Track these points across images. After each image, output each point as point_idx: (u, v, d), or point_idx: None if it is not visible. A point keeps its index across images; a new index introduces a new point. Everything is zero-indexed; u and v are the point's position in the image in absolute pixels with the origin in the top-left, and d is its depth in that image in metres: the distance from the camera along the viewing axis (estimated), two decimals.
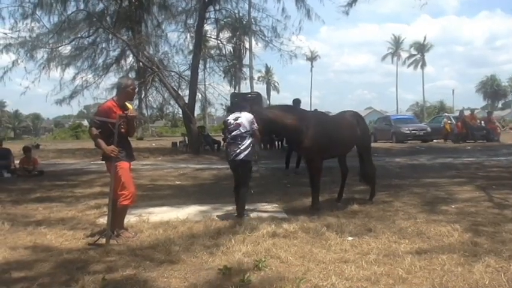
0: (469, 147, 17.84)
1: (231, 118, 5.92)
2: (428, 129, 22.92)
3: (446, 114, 31.74)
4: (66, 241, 4.86)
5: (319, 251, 4.22)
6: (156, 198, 7.60)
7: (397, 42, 73.03)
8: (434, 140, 22.32)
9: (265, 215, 5.99)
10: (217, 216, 5.94)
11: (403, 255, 3.99)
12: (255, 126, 5.73)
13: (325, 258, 4.00)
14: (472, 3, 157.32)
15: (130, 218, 5.50)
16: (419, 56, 71.48)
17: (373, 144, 7.10)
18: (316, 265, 3.82)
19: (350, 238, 4.65)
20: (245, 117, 5.74)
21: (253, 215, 5.97)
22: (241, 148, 5.68)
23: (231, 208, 6.18)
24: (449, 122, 22.95)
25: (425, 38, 72.01)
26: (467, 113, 23.89)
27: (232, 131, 5.78)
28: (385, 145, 19.83)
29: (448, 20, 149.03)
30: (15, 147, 14.66)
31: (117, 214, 4.78)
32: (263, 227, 5.09)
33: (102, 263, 4.02)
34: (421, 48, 70.64)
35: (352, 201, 6.65)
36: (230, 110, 6.10)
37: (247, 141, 5.69)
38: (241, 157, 5.69)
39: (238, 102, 6.21)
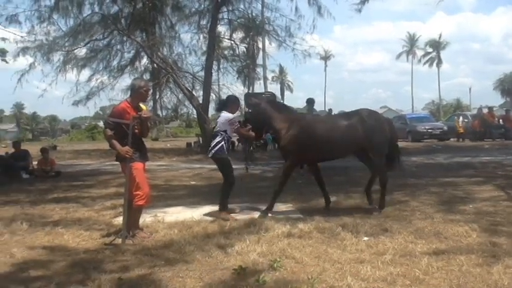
0: (487, 146, 17.51)
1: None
2: (445, 127, 22.56)
3: (459, 112, 31.24)
4: (82, 241, 4.92)
5: (335, 251, 4.19)
6: (171, 199, 7.64)
7: (412, 40, 71.96)
8: (451, 139, 21.98)
9: (280, 215, 5.97)
10: (231, 216, 5.92)
11: (419, 256, 3.94)
12: (235, 126, 6.08)
13: (340, 258, 3.97)
14: None
15: (145, 218, 5.55)
16: (434, 53, 70.22)
17: None
18: (331, 265, 3.79)
19: (366, 238, 4.60)
20: (222, 117, 6.07)
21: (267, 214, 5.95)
22: (212, 145, 6.04)
23: (246, 208, 6.18)
24: (465, 120, 22.52)
25: (440, 35, 70.56)
26: (485, 110, 23.44)
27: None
28: (401, 144, 19.45)
29: (464, 16, 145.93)
30: (33, 149, 14.89)
31: (132, 214, 4.83)
32: (278, 227, 5.08)
33: (118, 262, 4.06)
34: (437, 45, 69.40)
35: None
36: (218, 109, 6.46)
37: (217, 139, 6.01)
38: (210, 154, 6.06)
39: (223, 101, 6.42)
